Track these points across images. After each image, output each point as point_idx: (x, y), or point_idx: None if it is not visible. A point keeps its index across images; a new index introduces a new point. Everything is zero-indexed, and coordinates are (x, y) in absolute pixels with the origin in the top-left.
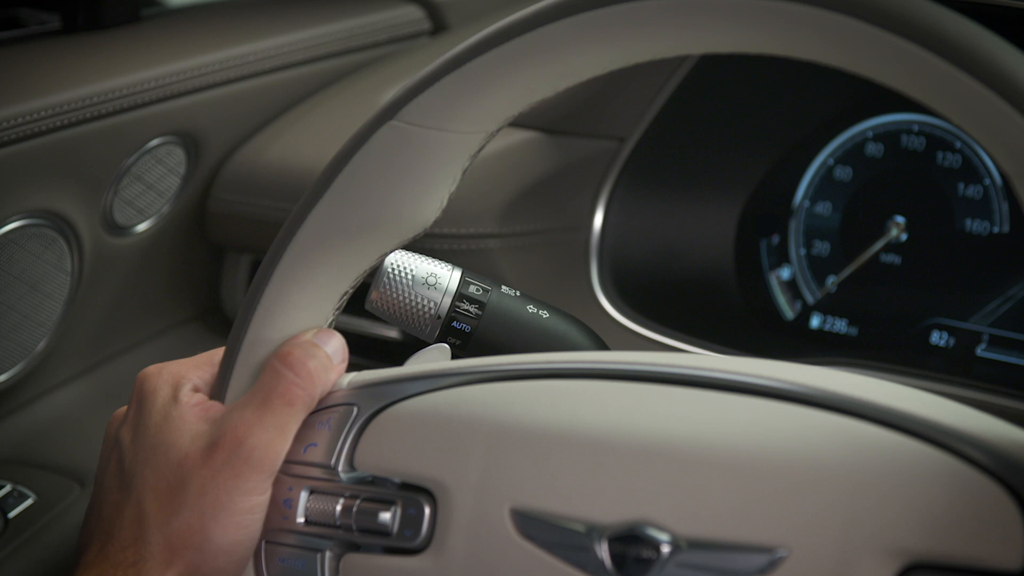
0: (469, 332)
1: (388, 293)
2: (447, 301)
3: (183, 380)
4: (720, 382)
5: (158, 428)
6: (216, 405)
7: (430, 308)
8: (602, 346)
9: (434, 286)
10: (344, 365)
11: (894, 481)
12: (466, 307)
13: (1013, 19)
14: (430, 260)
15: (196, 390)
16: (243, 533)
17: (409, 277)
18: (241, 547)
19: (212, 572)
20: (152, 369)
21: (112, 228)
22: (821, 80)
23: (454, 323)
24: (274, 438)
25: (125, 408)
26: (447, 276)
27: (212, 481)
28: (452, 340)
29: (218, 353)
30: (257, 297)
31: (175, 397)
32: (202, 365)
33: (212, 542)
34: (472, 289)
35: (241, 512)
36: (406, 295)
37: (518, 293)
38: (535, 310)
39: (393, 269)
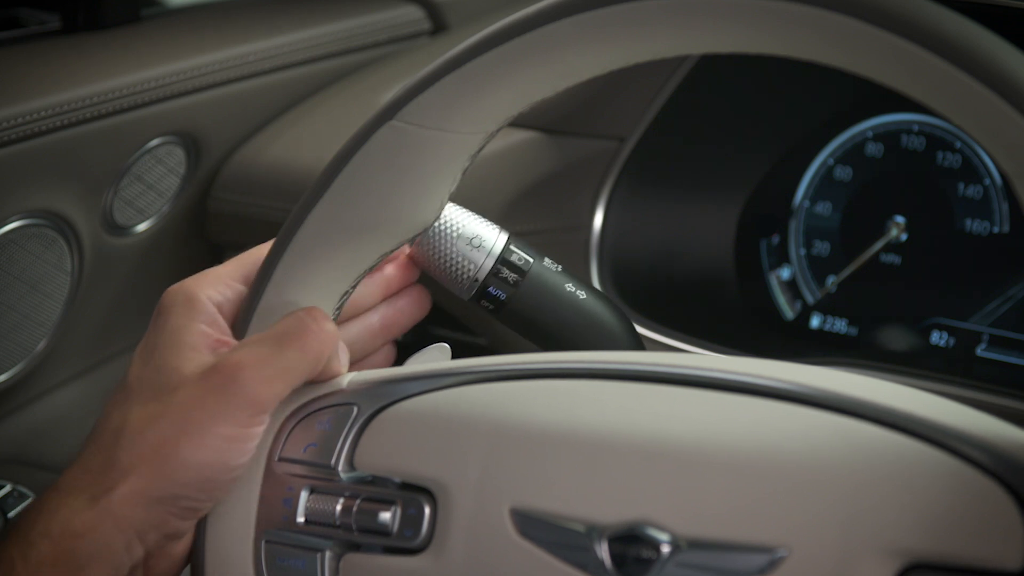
0: (504, 300)
1: (432, 243)
2: (488, 264)
3: (201, 301)
4: (720, 382)
5: (166, 349)
6: (229, 341)
7: (470, 269)
8: (632, 330)
9: (478, 247)
10: (346, 365)
11: (894, 481)
12: (506, 273)
13: (1013, 19)
14: (480, 220)
15: (217, 307)
16: (213, 456)
17: (455, 233)
18: (209, 469)
19: (171, 485)
20: (174, 288)
21: (112, 228)
22: (821, 80)
23: (490, 288)
24: (274, 378)
25: None
26: (492, 239)
27: (199, 400)
28: (485, 304)
29: (252, 255)
30: (257, 297)
31: (190, 320)
32: (227, 280)
33: (179, 455)
34: (515, 257)
35: (217, 437)
36: (448, 250)
37: (560, 268)
38: (573, 289)
39: (441, 221)
